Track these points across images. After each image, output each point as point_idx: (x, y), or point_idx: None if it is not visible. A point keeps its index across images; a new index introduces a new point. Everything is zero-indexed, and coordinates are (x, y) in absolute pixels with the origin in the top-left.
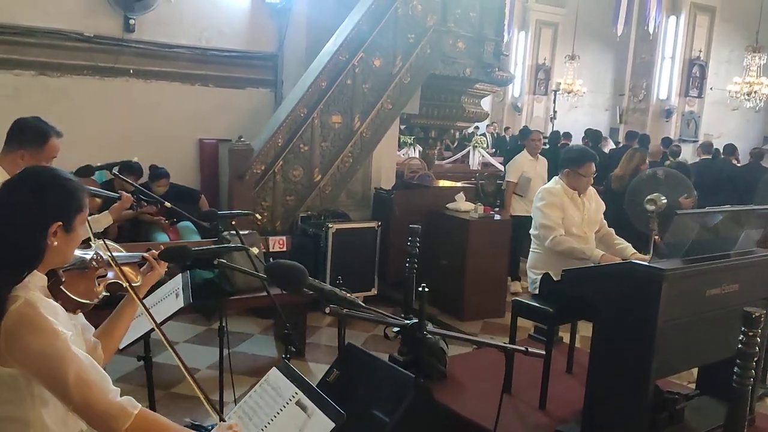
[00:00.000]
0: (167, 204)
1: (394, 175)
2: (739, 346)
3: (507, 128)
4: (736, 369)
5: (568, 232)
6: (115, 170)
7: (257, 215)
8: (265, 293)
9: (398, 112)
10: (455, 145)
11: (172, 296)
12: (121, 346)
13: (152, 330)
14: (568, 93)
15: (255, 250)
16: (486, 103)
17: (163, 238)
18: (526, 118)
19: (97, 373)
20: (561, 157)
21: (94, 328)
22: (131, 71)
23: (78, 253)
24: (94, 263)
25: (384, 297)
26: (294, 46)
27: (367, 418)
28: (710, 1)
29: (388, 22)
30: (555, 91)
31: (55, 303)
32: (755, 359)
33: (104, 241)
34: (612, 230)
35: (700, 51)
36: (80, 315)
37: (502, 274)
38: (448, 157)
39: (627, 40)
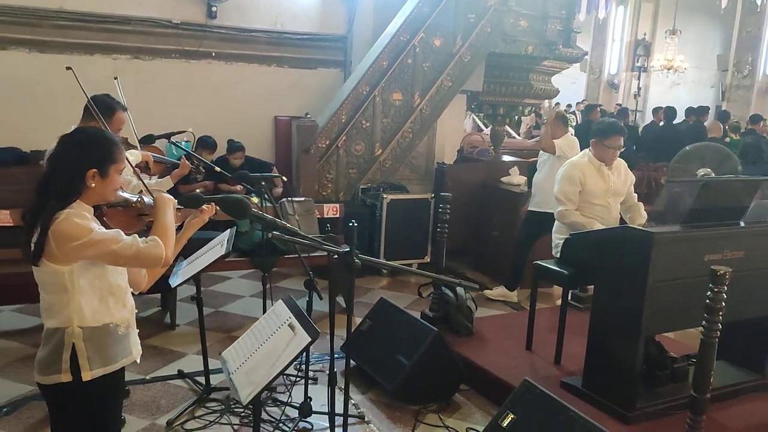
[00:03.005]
0: (217, 169)
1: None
2: (707, 301)
3: (598, 106)
4: (703, 323)
5: (590, 201)
6: (178, 140)
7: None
8: (317, 253)
9: (458, 89)
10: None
11: (217, 246)
12: (174, 284)
13: (201, 272)
14: (668, 69)
15: (255, 200)
16: (581, 81)
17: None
18: (622, 95)
19: (126, 237)
20: (592, 128)
21: None
22: (213, 54)
23: (126, 195)
24: (137, 204)
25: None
26: (362, 27)
27: (392, 361)
28: None
29: (448, 3)
30: (640, 68)
31: (90, 216)
32: (720, 313)
33: (147, 188)
34: (640, 204)
35: None
36: None
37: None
38: (537, 135)
39: (733, 13)
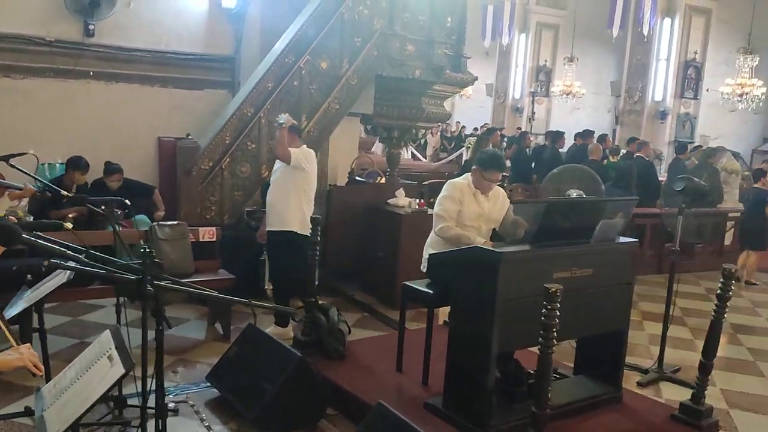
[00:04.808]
0: (64, 192)
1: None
2: (542, 319)
3: (498, 129)
4: (540, 340)
5: (462, 222)
6: (15, 162)
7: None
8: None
9: (345, 111)
10: (452, 145)
11: (62, 273)
12: (9, 315)
13: (41, 302)
14: (567, 95)
15: (69, 225)
16: (488, 105)
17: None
18: (526, 119)
19: None
20: (476, 155)
21: None
22: (91, 73)
23: None
24: None
25: (325, 287)
26: (250, 48)
27: (255, 389)
28: (705, 3)
29: (333, 26)
30: (534, 93)
31: None
32: (555, 330)
33: None
34: None
35: (696, 53)
36: None
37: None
38: (444, 158)
39: (624, 42)
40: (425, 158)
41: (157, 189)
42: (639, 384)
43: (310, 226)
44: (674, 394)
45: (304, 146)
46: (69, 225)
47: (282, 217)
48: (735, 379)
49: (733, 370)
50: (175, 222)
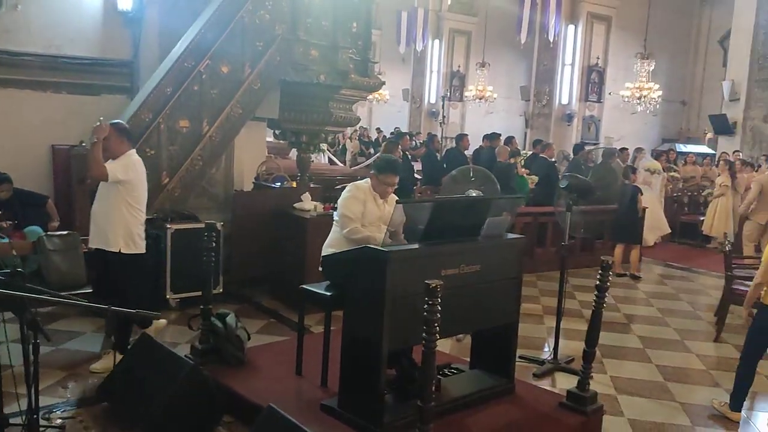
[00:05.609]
0: None
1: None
2: (424, 314)
3: (407, 133)
4: (423, 335)
5: (362, 224)
6: None
7: None
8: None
9: (249, 116)
10: (370, 150)
11: None
12: None
13: None
14: (480, 99)
15: None
16: (405, 110)
17: (4, 241)
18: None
19: None
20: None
21: None
22: None
23: None
24: None
25: (230, 294)
26: (148, 52)
27: (147, 398)
28: (606, 11)
29: (234, 30)
30: (443, 97)
31: None
32: (436, 325)
33: None
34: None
35: (598, 58)
36: None
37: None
38: (361, 162)
39: (532, 48)
40: (344, 163)
41: (51, 199)
42: (535, 375)
43: (142, 241)
44: (568, 384)
45: (132, 152)
46: None
47: (104, 235)
48: (624, 366)
49: (623, 358)
50: (66, 232)
